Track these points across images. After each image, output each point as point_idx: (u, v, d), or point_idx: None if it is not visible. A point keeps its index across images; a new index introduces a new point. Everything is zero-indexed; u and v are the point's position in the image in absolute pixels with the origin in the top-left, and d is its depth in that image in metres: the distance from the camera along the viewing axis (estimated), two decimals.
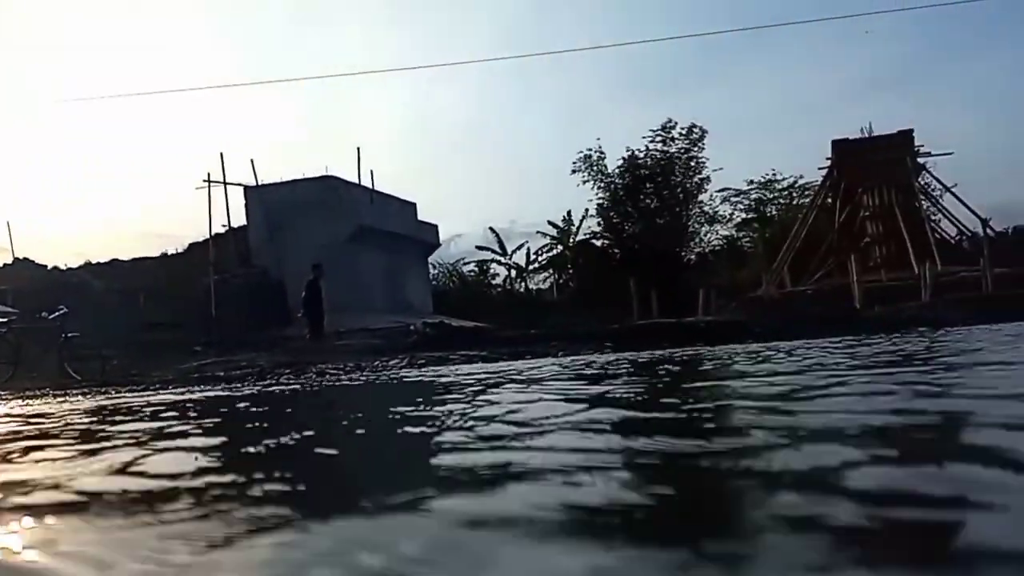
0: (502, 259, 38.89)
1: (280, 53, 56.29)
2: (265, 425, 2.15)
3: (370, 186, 26.93)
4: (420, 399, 2.49)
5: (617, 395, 2.09)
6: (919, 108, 59.13)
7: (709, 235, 35.49)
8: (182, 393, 4.34)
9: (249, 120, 52.32)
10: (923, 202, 26.96)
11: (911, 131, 27.55)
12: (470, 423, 1.81)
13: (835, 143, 28.02)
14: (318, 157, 74.52)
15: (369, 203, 26.38)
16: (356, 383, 3.81)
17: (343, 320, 17.26)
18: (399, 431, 1.84)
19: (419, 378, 3.59)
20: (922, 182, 27.47)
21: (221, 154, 24.19)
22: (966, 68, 58.86)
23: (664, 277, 29.17)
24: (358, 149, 27.15)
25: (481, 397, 2.37)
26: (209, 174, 23.88)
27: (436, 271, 36.96)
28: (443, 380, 3.34)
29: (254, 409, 2.86)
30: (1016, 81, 55.14)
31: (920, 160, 27.73)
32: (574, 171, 34.62)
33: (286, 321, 19.86)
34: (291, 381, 4.20)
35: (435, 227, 31.29)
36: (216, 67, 56.35)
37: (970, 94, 55.57)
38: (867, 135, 28.51)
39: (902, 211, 25.43)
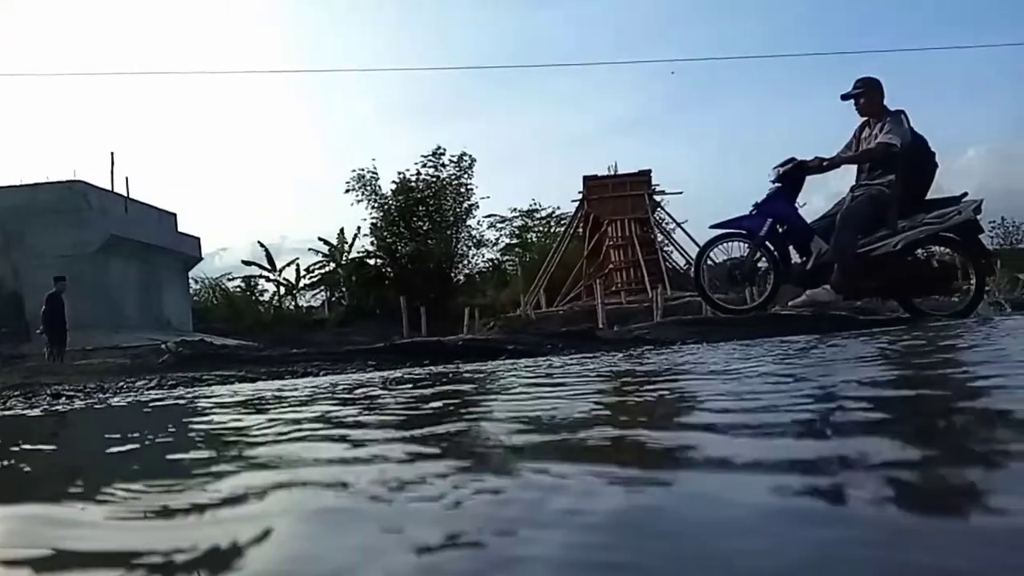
0: (271, 275, 37.94)
1: (32, 46, 50.58)
2: None
3: (125, 193, 25.23)
4: (139, 427, 2.40)
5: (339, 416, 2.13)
6: (657, 150, 66.30)
7: (476, 258, 37.36)
8: None
9: None
10: (658, 235, 30.43)
11: (649, 171, 30.99)
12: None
13: (585, 178, 30.72)
14: (66, 160, 67.30)
15: (123, 211, 24.75)
16: (96, 406, 3.53)
17: (91, 338, 16.16)
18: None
19: (161, 402, 3.50)
20: (657, 217, 30.97)
21: None
22: (695, 119, 66.98)
23: (434, 296, 30.19)
24: (112, 154, 25.42)
25: (216, 420, 2.32)
26: None
27: (198, 286, 35.23)
28: (185, 404, 3.27)
29: None
30: (733, 133, 63.72)
31: (656, 197, 31.20)
32: (348, 190, 34.87)
33: (24, 338, 18.16)
34: (17, 405, 3.95)
35: (197, 239, 29.91)
36: None
37: (697, 142, 63.37)
38: (613, 172, 31.57)
39: (640, 242, 28.57)
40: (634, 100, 66.93)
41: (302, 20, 66.58)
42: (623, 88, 62.56)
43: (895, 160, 6.37)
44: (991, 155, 59.36)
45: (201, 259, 30.91)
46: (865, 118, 6.73)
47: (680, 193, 31.60)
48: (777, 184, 6.83)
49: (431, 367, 5.49)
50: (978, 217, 6.53)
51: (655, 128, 63.62)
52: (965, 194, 6.64)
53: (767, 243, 6.86)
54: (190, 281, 31.84)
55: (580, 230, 30.91)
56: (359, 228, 36.12)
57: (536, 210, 38.29)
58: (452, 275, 35.07)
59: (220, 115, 63.27)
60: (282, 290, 38.22)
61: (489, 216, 37.28)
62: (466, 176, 34.68)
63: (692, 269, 9.22)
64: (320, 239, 37.60)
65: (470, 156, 34.67)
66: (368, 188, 34.66)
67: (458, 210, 34.80)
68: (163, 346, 10.57)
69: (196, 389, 4.45)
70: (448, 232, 34.57)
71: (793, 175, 6.76)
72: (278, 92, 63.79)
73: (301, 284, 38.28)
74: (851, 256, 6.48)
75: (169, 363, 7.63)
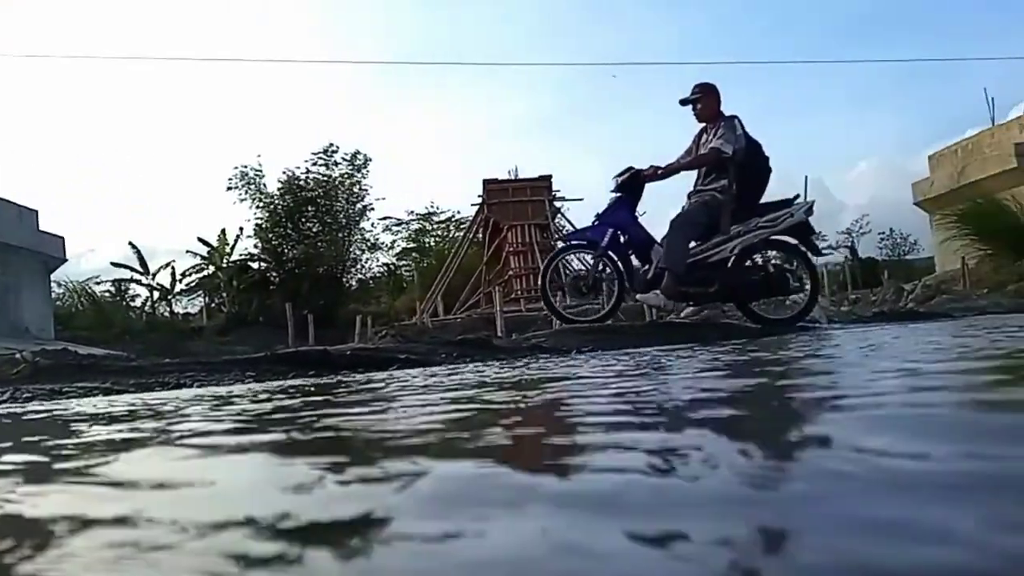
0: (143, 279, 35.41)
1: None
2: None
3: None
4: None
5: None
6: (559, 156, 66.76)
7: (371, 262, 35.91)
8: None
9: None
10: (559, 242, 30.23)
11: (550, 176, 30.78)
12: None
13: (485, 182, 30.18)
14: None
15: None
16: None
17: None
18: None
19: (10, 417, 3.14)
20: (558, 223, 30.78)
21: None
22: (593, 128, 67.85)
23: (324, 303, 28.81)
24: None
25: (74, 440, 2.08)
26: None
27: (62, 290, 32.34)
28: (40, 418, 2.98)
29: None
30: (634, 140, 64.85)
31: (557, 204, 31.03)
32: (229, 188, 32.67)
33: None
34: None
35: (61, 239, 27.42)
36: None
37: (599, 149, 64.12)
38: (514, 176, 31.19)
39: (541, 248, 28.23)
40: (537, 103, 67.15)
41: (181, 4, 63.12)
42: (527, 91, 62.74)
43: (728, 166, 6.50)
44: (881, 168, 62.77)
45: (65, 260, 28.31)
46: (703, 124, 6.86)
47: (581, 200, 31.52)
48: (617, 194, 6.95)
49: (316, 379, 5.10)
50: (809, 219, 6.70)
51: (558, 133, 63.88)
52: (797, 196, 6.79)
53: (609, 253, 6.98)
54: (52, 285, 29.17)
55: (480, 235, 30.32)
56: (242, 229, 34.13)
57: (434, 213, 37.28)
58: (344, 280, 33.51)
59: (90, 105, 59.08)
60: (156, 295, 35.74)
61: (384, 219, 35.95)
62: (360, 176, 33.05)
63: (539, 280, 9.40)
64: (199, 240, 35.37)
65: (364, 155, 33.11)
66: (252, 186, 32.59)
67: (351, 212, 33.12)
68: (19, 355, 9.63)
69: (56, 402, 3.98)
70: (340, 235, 32.86)
71: (631, 184, 6.89)
72: (154, 81, 60.10)
73: (177, 289, 35.88)
74: (681, 262, 6.58)
75: (25, 374, 6.78)
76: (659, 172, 6.79)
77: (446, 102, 62.23)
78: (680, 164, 6.85)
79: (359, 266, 34.89)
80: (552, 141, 62.59)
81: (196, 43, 60.54)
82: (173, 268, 35.57)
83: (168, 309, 35.82)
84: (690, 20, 70.17)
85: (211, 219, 71.03)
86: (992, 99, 23.37)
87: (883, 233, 36.50)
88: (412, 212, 37.13)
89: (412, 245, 37.34)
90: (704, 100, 6.80)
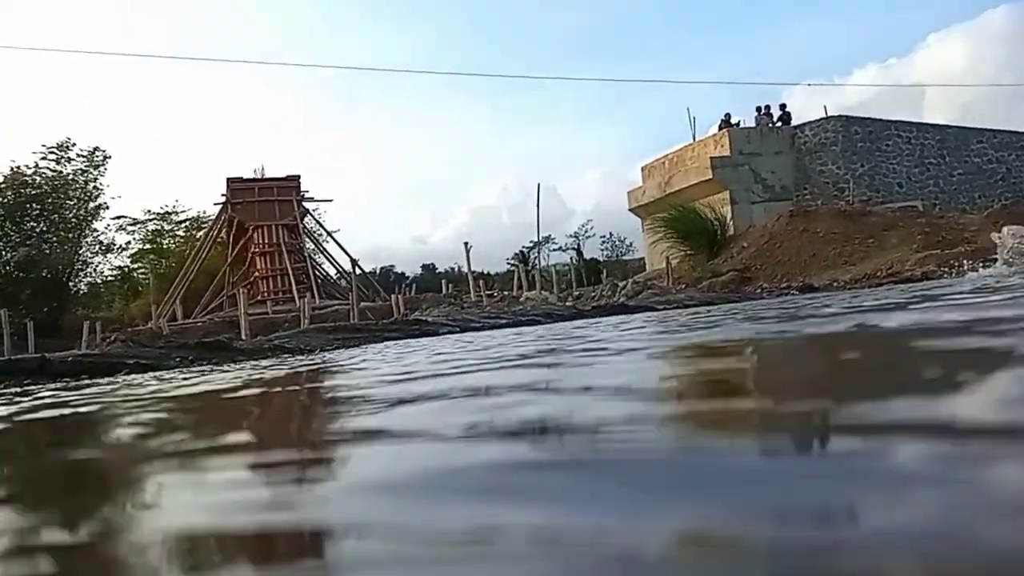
0: None
1: None
2: None
3: None
4: None
5: None
6: (308, 158, 65.45)
7: (102, 266, 32.94)
8: None
9: None
10: (307, 242, 29.88)
11: (298, 176, 30.31)
12: None
13: (229, 180, 29.06)
14: None
15: None
16: None
17: None
18: None
19: None
20: (307, 223, 30.42)
21: None
22: (349, 127, 67.41)
23: (48, 309, 26.07)
24: None
25: None
26: None
27: None
28: None
29: None
30: (386, 144, 65.33)
31: (307, 204, 30.64)
32: None
33: None
34: None
35: None
36: None
37: (353, 155, 63.90)
38: (260, 175, 30.29)
39: (289, 249, 27.78)
40: (292, 103, 65.10)
41: None
42: (280, 90, 60.60)
43: None
44: (606, 177, 69.37)
45: None
46: None
47: (330, 200, 31.51)
48: None
49: (33, 387, 5.00)
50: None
51: (309, 134, 62.57)
52: None
53: None
54: None
55: (223, 235, 29.09)
56: None
57: (173, 212, 34.77)
58: (71, 285, 30.49)
59: None
60: None
61: (118, 218, 32.99)
62: (98, 173, 30.39)
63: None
64: None
65: (103, 152, 30.48)
66: None
67: (83, 211, 30.31)
68: None
69: None
70: (70, 235, 29.93)
71: None
72: None
73: None
74: None
75: None
76: None
77: (193, 98, 58.49)
78: None
79: (89, 269, 32.06)
80: (303, 141, 61.31)
81: None
82: None
83: None
84: (432, 31, 72.34)
85: None
86: (693, 117, 26.60)
87: (604, 236, 40.66)
88: (149, 211, 34.45)
89: (149, 246, 34.61)
90: None
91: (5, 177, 29.10)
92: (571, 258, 35.94)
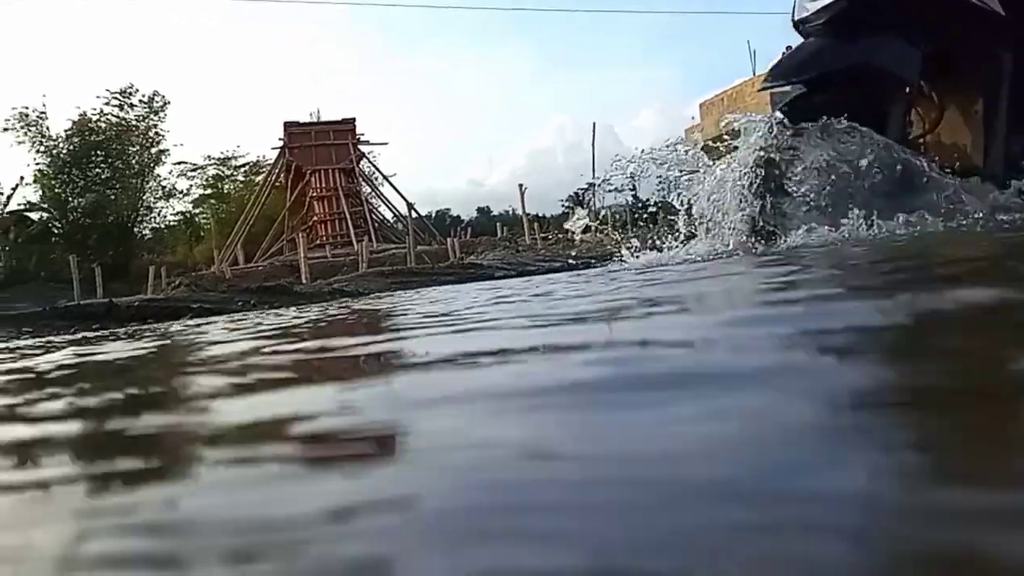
0: None
1: None
2: None
3: None
4: None
5: None
6: (363, 101, 65.42)
7: (165, 211, 33.79)
8: None
9: None
10: (364, 186, 30.03)
11: (354, 119, 30.34)
12: None
13: (286, 124, 29.26)
14: None
15: None
16: None
17: None
18: None
19: None
20: (363, 167, 30.54)
21: None
22: (404, 72, 66.87)
23: (114, 255, 26.96)
24: None
25: None
26: None
27: None
28: None
29: None
30: (440, 87, 64.79)
31: (363, 148, 30.72)
32: (5, 129, 29.45)
33: None
34: None
35: None
36: None
37: (408, 97, 63.58)
38: (316, 119, 30.41)
39: (346, 193, 27.99)
40: (346, 44, 64.90)
41: None
42: (331, 31, 60.41)
43: None
44: (662, 115, 67.49)
45: None
46: None
47: (386, 144, 31.47)
48: None
49: (101, 331, 5.12)
50: None
51: (363, 76, 62.43)
52: None
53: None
54: None
55: (282, 180, 29.45)
56: (22, 177, 30.82)
57: (233, 158, 35.29)
58: (136, 231, 31.39)
59: None
60: None
61: (179, 163, 33.67)
62: (158, 119, 30.89)
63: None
64: None
65: (163, 97, 30.90)
66: (33, 129, 29.53)
67: (146, 157, 30.95)
68: None
69: None
70: (133, 181, 30.64)
71: None
72: None
73: None
74: None
75: None
76: None
77: (249, 41, 58.80)
78: None
79: (153, 215, 32.91)
80: (359, 84, 61.15)
81: None
82: None
83: None
84: None
85: None
86: (754, 51, 25.67)
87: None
88: (209, 157, 35.05)
89: (209, 192, 35.34)
90: None
91: (73, 123, 29.86)
92: (626, 200, 35.39)
